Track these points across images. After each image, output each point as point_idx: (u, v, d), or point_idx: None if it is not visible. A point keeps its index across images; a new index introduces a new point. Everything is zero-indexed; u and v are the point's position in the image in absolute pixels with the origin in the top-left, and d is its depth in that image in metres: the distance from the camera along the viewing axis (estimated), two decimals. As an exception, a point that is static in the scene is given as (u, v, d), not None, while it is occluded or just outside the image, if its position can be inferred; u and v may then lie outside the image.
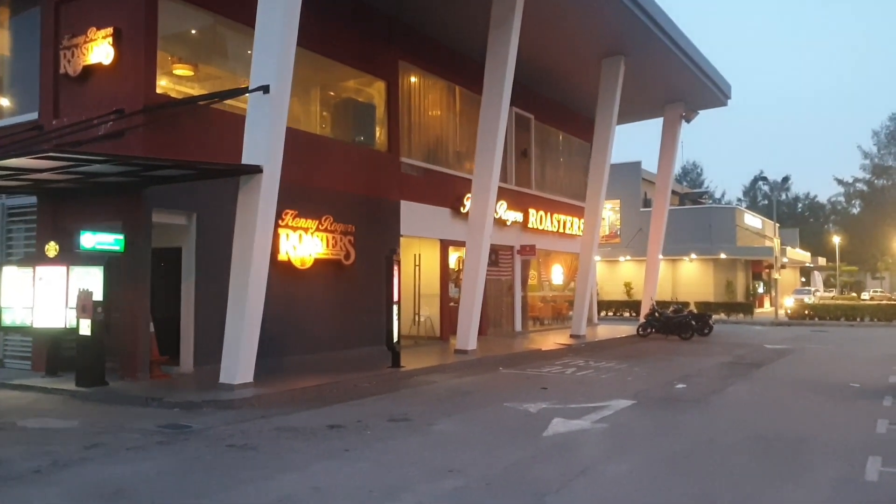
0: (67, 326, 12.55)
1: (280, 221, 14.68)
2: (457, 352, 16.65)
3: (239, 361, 11.29)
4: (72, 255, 12.60)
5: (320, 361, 14.92)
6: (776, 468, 7.11)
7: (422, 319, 20.00)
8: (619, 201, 48.49)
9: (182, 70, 14.78)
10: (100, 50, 13.08)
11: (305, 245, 15.24)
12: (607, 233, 50.57)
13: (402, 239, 18.25)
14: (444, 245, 19.98)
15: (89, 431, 8.83)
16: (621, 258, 46.04)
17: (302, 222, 15.18)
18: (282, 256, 14.74)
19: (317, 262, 15.51)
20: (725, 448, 8.02)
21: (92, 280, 12.56)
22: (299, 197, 15.16)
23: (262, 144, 11.21)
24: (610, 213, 50.63)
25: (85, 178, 11.62)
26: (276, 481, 6.60)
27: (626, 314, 38.17)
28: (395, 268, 14.33)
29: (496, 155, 16.79)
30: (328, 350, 15.73)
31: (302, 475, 6.81)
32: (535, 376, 14.08)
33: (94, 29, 13.17)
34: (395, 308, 14.10)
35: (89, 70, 13.29)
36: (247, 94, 11.73)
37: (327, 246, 15.79)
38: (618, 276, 46.07)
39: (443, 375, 14.00)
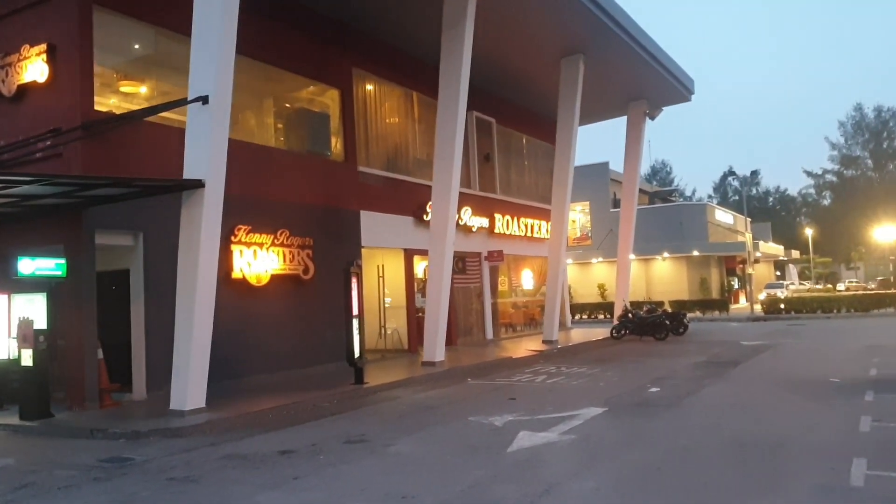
0: (11, 358, 11.93)
1: (232, 238, 14.17)
2: (424, 364, 16.15)
3: (189, 386, 10.70)
4: (13, 283, 11.92)
5: (281, 381, 14.36)
6: (754, 478, 6.71)
7: (388, 332, 19.50)
8: (588, 203, 48.39)
9: (129, 87, 14.22)
10: (34, 68, 12.50)
11: (261, 261, 14.68)
12: (578, 235, 50.47)
13: (363, 250, 17.74)
14: (409, 254, 19.49)
15: (22, 470, 8.23)
16: (593, 260, 45.86)
17: (256, 237, 14.62)
18: (236, 274, 14.18)
19: (274, 278, 14.95)
20: (700, 457, 7.62)
21: (35, 308, 11.91)
22: (252, 211, 14.62)
23: (204, 157, 10.68)
24: (580, 216, 50.55)
25: (19, 200, 11.00)
26: (213, 519, 6.07)
27: (601, 316, 37.89)
28: (354, 280, 13.83)
29: (455, 160, 16.37)
30: (290, 369, 15.15)
31: (242, 511, 6.29)
32: (504, 386, 13.63)
33: (28, 46, 12.59)
34: (354, 322, 13.59)
35: (24, 89, 12.71)
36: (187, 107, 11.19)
37: (284, 261, 15.24)
38: (591, 278, 45.86)
39: (408, 390, 13.50)
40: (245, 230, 14.43)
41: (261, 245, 14.73)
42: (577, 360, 17.73)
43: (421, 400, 12.32)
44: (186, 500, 6.70)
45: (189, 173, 10.79)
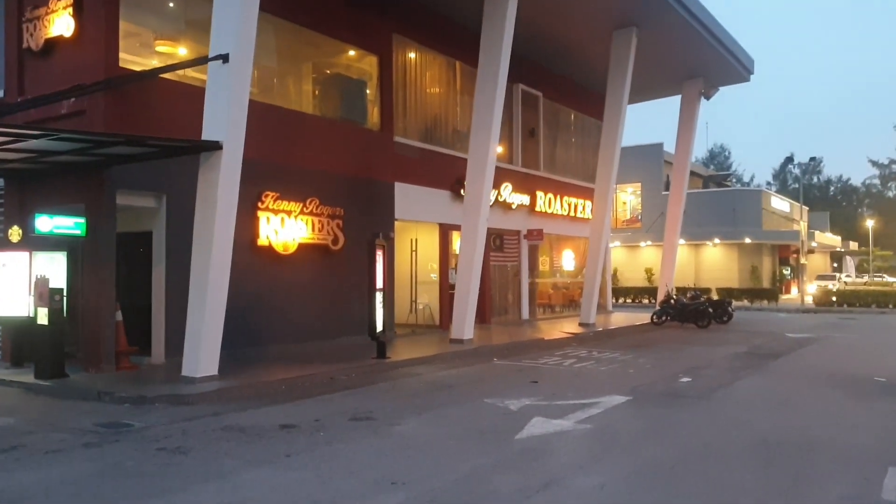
0: (30, 315, 11.90)
1: (259, 204, 13.90)
2: (452, 341, 15.72)
3: (201, 352, 10.47)
4: (35, 240, 11.86)
5: (305, 352, 14.10)
6: (775, 482, 6.09)
7: (420, 307, 19.10)
8: (640, 184, 47.13)
9: (165, 47, 13.97)
10: (61, 21, 12.30)
11: (288, 229, 14.39)
12: (628, 217, 49.32)
13: (397, 223, 17.34)
14: (444, 229, 18.99)
15: (20, 430, 8.09)
16: (642, 243, 44.65)
17: (284, 205, 14.32)
18: (262, 241, 13.93)
19: (301, 247, 14.66)
20: (721, 456, 6.99)
21: (56, 266, 11.86)
22: (281, 178, 14.32)
23: (223, 119, 10.33)
24: (631, 197, 49.31)
25: (37, 156, 10.85)
26: (189, 494, 5.75)
27: (646, 301, 36.89)
28: (380, 253, 13.41)
29: (493, 132, 15.77)
30: (315, 339, 14.90)
31: (221, 486, 5.94)
32: (529, 368, 13.11)
33: (55, -1, 12.39)
34: (378, 296, 13.20)
35: (51, 43, 12.52)
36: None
37: (313, 230, 14.92)
38: (638, 261, 44.70)
39: (430, 367, 13.09)
40: (273, 197, 14.13)
41: (289, 213, 14.43)
42: (612, 345, 17.07)
43: (440, 378, 11.89)
44: (170, 472, 6.40)
45: (208, 135, 10.47)
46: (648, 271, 43.02)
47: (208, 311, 10.43)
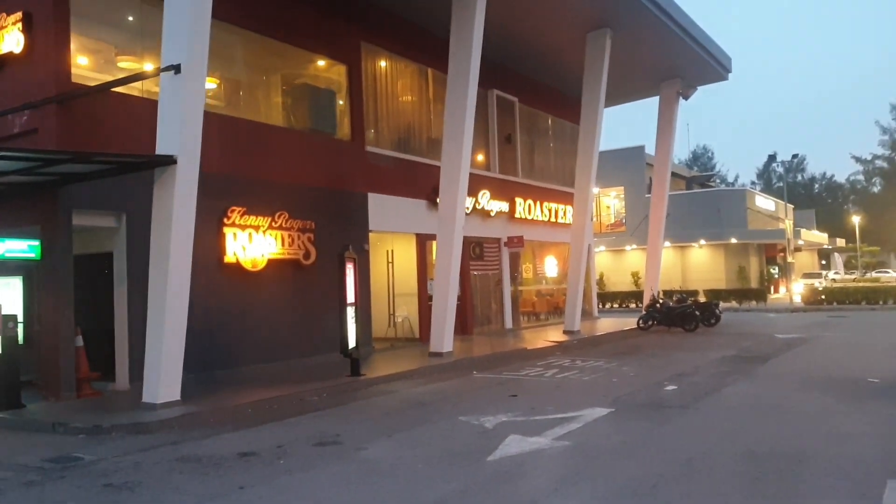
0: (-15, 344, 11.36)
1: (225, 220, 13.45)
2: (431, 355, 15.26)
3: (161, 377, 9.97)
4: (-8, 265, 11.36)
5: (276, 372, 13.61)
6: (765, 500, 5.68)
7: (399, 320, 18.64)
8: (623, 188, 46.91)
9: (128, 62, 13.47)
10: (10, 38, 11.85)
11: (256, 245, 13.92)
12: (612, 221, 49.07)
13: (371, 234, 16.90)
14: (421, 240, 18.56)
15: (-39, 470, 7.56)
16: (627, 247, 44.41)
17: (251, 220, 13.86)
18: (229, 258, 13.45)
19: (271, 262, 14.19)
20: (706, 471, 6.57)
21: (12, 292, 11.36)
22: (248, 192, 13.87)
23: (176, 132, 9.88)
24: (615, 201, 49.10)
25: (-15, 178, 10.33)
26: (127, 539, 5.27)
27: (633, 305, 36.56)
28: (351, 266, 12.96)
29: (465, 139, 15.42)
30: (289, 358, 14.41)
31: (164, 528, 5.47)
32: (509, 380, 12.67)
33: (4, 15, 11.92)
34: (349, 310, 12.74)
35: (2, 60, 12.02)
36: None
37: (283, 245, 14.46)
38: (624, 265, 44.43)
39: (407, 383, 12.63)
40: (240, 212, 13.67)
41: (256, 228, 13.97)
42: (596, 353, 16.66)
43: (416, 395, 11.43)
44: (112, 511, 5.92)
45: (161, 149, 10.01)
46: (635, 275, 42.73)
47: (167, 334, 9.95)
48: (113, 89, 11.68)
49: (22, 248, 10.92)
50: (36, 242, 11.08)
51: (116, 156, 9.86)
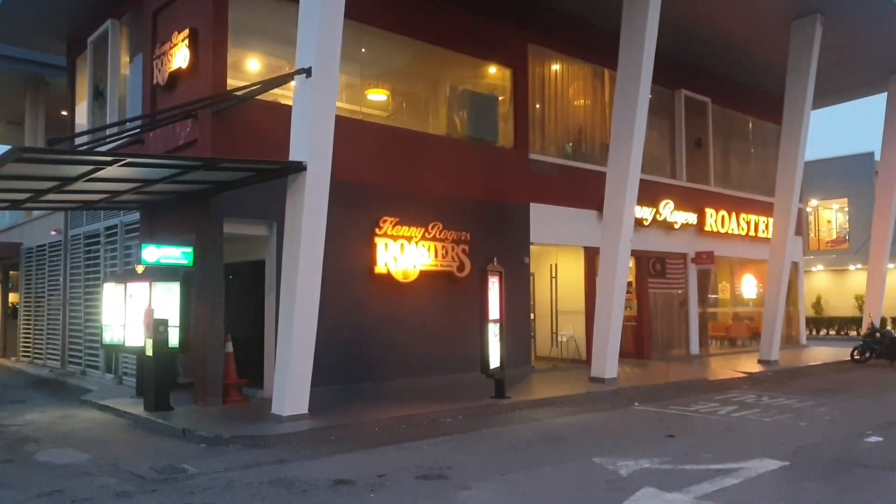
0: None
1: (377, 230, 13.16)
2: (592, 380, 13.93)
3: (288, 389, 9.73)
4: (157, 272, 11.90)
5: (422, 387, 13.08)
6: None
7: (563, 340, 17.40)
8: (847, 200, 41.57)
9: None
10: (180, 54, 12.36)
11: (409, 255, 13.49)
12: (834, 237, 43.72)
13: (533, 247, 15.89)
14: (590, 253, 17.16)
15: (79, 471, 7.70)
16: (851, 266, 39.15)
17: (404, 230, 13.46)
18: (379, 269, 13.12)
19: (423, 274, 13.69)
20: (889, 566, 4.90)
21: (171, 297, 11.80)
22: (401, 202, 13.51)
23: (306, 137, 9.61)
24: (838, 215, 43.74)
25: (141, 186, 10.77)
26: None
27: (854, 333, 32.03)
28: (494, 279, 12.08)
29: (635, 142, 13.95)
30: (438, 374, 13.81)
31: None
32: (673, 416, 11.08)
33: (176, 33, 12.50)
34: (491, 328, 11.84)
35: (175, 77, 12.60)
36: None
37: (436, 256, 13.92)
38: (847, 287, 39.19)
39: (553, 411, 11.47)
40: (392, 222, 13.33)
41: (409, 238, 13.55)
42: (790, 388, 14.33)
43: (557, 426, 10.26)
44: (173, 537, 5.52)
45: (294, 156, 9.82)
46: (858, 298, 37.46)
47: (296, 345, 9.68)
48: (266, 99, 11.84)
49: (175, 254, 11.28)
50: (189, 249, 11.40)
51: (247, 162, 9.81)
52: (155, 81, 13.14)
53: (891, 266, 23.25)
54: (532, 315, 16.38)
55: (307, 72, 9.52)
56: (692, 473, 7.36)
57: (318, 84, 9.53)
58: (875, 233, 22.63)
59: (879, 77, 22.02)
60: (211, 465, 7.84)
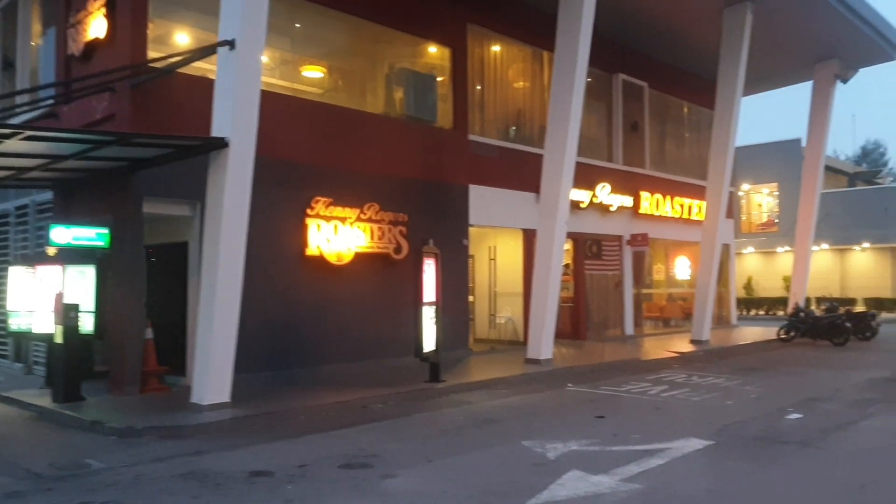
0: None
1: (309, 210, 12.76)
2: (527, 362, 13.89)
3: (209, 377, 9.33)
4: (70, 254, 11.23)
5: (357, 372, 12.78)
6: None
7: (501, 322, 17.34)
8: (776, 185, 42.74)
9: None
10: (97, 24, 11.66)
11: (342, 237, 13.14)
12: (764, 220, 44.99)
13: (472, 229, 15.73)
14: (528, 236, 17.06)
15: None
16: (779, 249, 40.34)
17: (338, 211, 13.09)
18: (311, 251, 12.74)
19: (358, 256, 13.36)
20: (808, 546, 4.89)
21: (86, 281, 11.17)
22: (336, 182, 13.13)
23: (229, 113, 9.17)
24: (767, 199, 44.98)
25: (50, 162, 10.11)
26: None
27: (781, 313, 33.00)
28: (430, 261, 11.86)
29: (571, 125, 13.89)
30: (373, 358, 13.52)
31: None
32: (605, 397, 11.09)
33: (93, 1, 11.79)
34: (426, 311, 11.62)
35: (91, 47, 11.87)
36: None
37: (372, 238, 13.60)
38: (776, 269, 40.40)
39: (487, 393, 11.36)
40: (325, 203, 12.94)
41: (343, 219, 13.18)
42: (720, 367, 14.57)
43: (489, 409, 10.13)
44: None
45: (217, 131, 9.36)
46: (787, 280, 38.66)
47: (217, 329, 9.28)
48: (192, 73, 11.29)
49: (89, 235, 10.69)
50: (104, 230, 10.82)
51: (164, 138, 9.31)
52: (70, 52, 12.38)
53: (815, 248, 23.91)
54: (471, 297, 16.27)
55: (230, 44, 9.06)
56: (619, 455, 7.31)
57: (242, 57, 9.09)
58: (800, 216, 23.31)
59: (806, 65, 22.57)
60: (119, 458, 7.40)
